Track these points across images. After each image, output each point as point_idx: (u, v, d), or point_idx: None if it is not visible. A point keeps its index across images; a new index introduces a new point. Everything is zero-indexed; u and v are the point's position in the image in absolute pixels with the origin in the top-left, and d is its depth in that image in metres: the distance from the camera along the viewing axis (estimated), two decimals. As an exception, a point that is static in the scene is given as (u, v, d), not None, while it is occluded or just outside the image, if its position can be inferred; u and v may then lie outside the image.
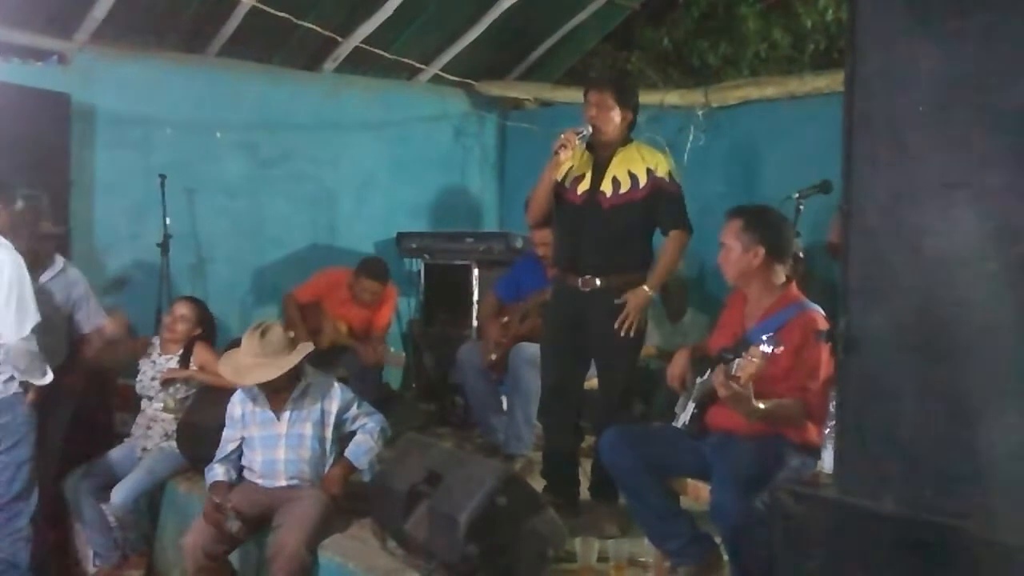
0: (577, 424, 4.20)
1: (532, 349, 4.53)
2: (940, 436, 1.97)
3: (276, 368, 3.86)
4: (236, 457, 4.04)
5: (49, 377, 3.90)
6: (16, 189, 3.96)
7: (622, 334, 3.87)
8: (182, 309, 4.74)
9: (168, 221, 5.38)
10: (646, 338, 4.21)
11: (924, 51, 2.00)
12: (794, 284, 3.25)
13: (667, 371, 3.37)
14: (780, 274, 3.23)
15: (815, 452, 3.11)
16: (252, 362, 3.89)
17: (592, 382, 4.23)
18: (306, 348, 4.00)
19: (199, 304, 4.88)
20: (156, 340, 4.79)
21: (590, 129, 3.92)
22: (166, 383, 4.63)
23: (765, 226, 3.21)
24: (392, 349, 5.57)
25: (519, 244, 5.88)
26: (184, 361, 4.67)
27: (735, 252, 3.21)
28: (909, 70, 2.03)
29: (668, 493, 3.30)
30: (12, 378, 3.78)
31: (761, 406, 2.91)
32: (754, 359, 2.77)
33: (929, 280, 1.99)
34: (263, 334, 3.91)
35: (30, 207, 4.04)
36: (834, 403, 2.81)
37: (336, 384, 4.06)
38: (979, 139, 1.92)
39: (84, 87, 5.37)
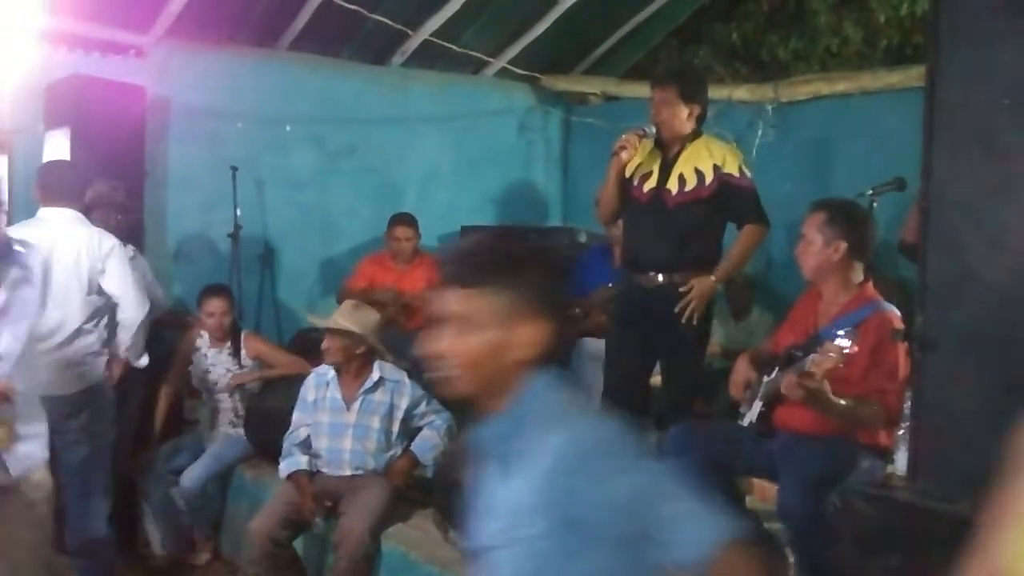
0: (640, 421, 4.17)
1: (595, 345, 4.51)
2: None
3: (337, 325, 3.98)
4: (310, 445, 4.08)
5: (145, 360, 4.14)
6: (89, 174, 4.14)
7: (683, 320, 3.82)
8: (212, 306, 4.70)
9: (239, 212, 5.47)
10: (711, 336, 4.17)
11: (1008, 43, 1.95)
12: (871, 283, 3.17)
13: (730, 380, 3.32)
14: (859, 272, 3.15)
15: (886, 454, 3.05)
16: (332, 319, 4.05)
17: (656, 379, 4.20)
18: (374, 337, 4.06)
19: (226, 291, 4.88)
20: (204, 334, 4.80)
21: (652, 128, 3.90)
22: (235, 388, 4.69)
23: (849, 221, 3.12)
24: None
25: (583, 239, 5.85)
26: (235, 351, 4.73)
27: (815, 245, 3.13)
28: (992, 63, 1.97)
29: (733, 492, 3.26)
30: (106, 363, 3.93)
31: (842, 402, 2.85)
32: (831, 354, 2.71)
33: (1010, 279, 1.94)
34: (357, 307, 4.10)
35: (105, 192, 4.30)
36: (908, 404, 2.75)
37: (408, 380, 4.09)
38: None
39: (159, 81, 5.45)
